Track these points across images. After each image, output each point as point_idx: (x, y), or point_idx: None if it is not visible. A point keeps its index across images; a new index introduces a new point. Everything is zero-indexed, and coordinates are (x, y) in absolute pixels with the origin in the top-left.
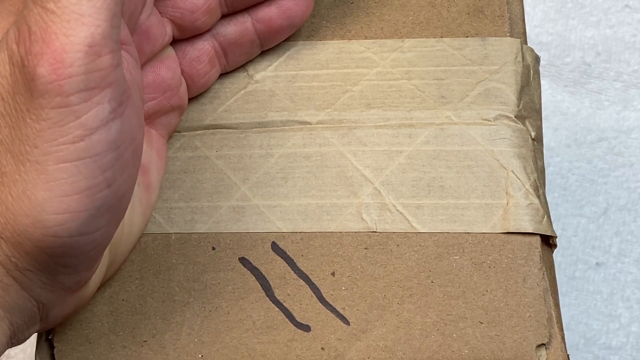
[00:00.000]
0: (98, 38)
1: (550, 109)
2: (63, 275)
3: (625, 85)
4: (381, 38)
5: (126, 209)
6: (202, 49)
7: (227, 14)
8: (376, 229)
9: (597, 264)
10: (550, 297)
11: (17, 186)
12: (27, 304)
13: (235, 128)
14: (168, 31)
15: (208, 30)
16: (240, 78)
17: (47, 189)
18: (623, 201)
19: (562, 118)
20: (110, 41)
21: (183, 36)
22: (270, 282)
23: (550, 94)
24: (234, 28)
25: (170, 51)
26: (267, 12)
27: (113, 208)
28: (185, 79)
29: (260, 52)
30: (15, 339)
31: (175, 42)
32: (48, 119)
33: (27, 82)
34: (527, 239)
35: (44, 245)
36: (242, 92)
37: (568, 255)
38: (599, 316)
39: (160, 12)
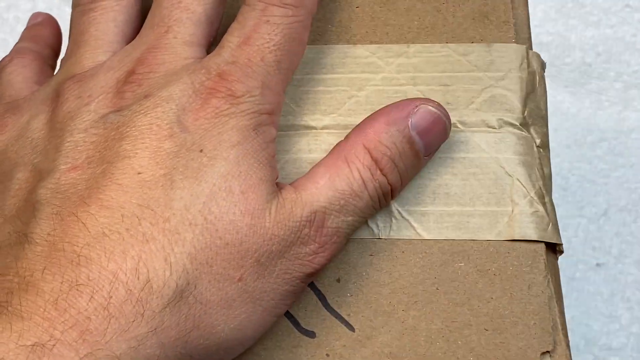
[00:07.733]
0: None
1: (551, 110)
2: None
3: (625, 85)
4: (386, 43)
5: None
6: None
7: None
8: (381, 236)
9: (597, 264)
10: (555, 304)
11: None
12: None
13: None
14: None
15: None
16: None
17: None
18: (623, 202)
19: (563, 118)
20: None
21: None
22: None
23: (550, 94)
24: None
25: None
26: None
27: None
28: None
29: None
30: None
31: None
32: None
33: None
34: (532, 246)
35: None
36: None
37: (568, 256)
38: (599, 317)
39: None
